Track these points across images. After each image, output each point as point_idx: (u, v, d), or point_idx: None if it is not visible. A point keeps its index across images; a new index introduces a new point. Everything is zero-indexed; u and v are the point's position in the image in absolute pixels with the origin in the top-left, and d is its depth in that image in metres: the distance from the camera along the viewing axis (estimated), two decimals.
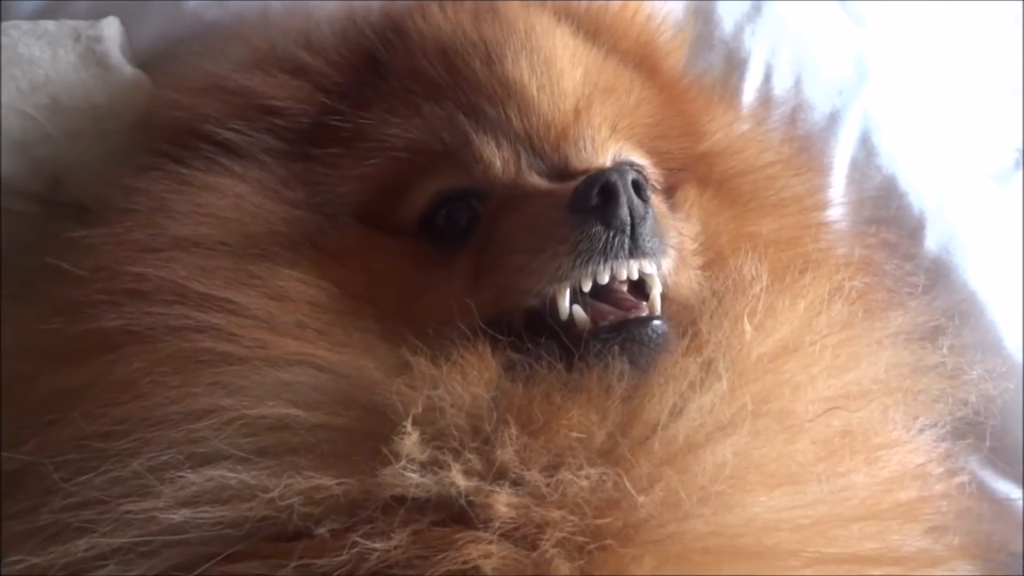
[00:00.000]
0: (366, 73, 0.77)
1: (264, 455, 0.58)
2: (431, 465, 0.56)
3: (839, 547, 0.58)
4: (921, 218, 0.97)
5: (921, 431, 0.71)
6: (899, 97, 1.04)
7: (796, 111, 0.99)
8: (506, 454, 0.57)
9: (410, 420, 0.57)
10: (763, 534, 0.56)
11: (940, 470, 0.71)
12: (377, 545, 0.54)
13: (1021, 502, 0.92)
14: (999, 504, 0.90)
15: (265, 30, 0.83)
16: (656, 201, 0.70)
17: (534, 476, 0.57)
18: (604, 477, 0.56)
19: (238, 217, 0.70)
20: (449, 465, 0.56)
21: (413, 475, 0.55)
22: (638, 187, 0.64)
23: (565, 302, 0.64)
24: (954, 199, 1.00)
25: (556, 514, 0.55)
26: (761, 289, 0.68)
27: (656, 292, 0.66)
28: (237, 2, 0.87)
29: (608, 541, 0.55)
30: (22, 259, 0.75)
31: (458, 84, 0.74)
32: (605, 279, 0.64)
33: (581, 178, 0.66)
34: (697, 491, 0.56)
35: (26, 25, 0.82)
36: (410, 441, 0.56)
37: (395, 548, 0.54)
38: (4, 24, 0.82)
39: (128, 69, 0.82)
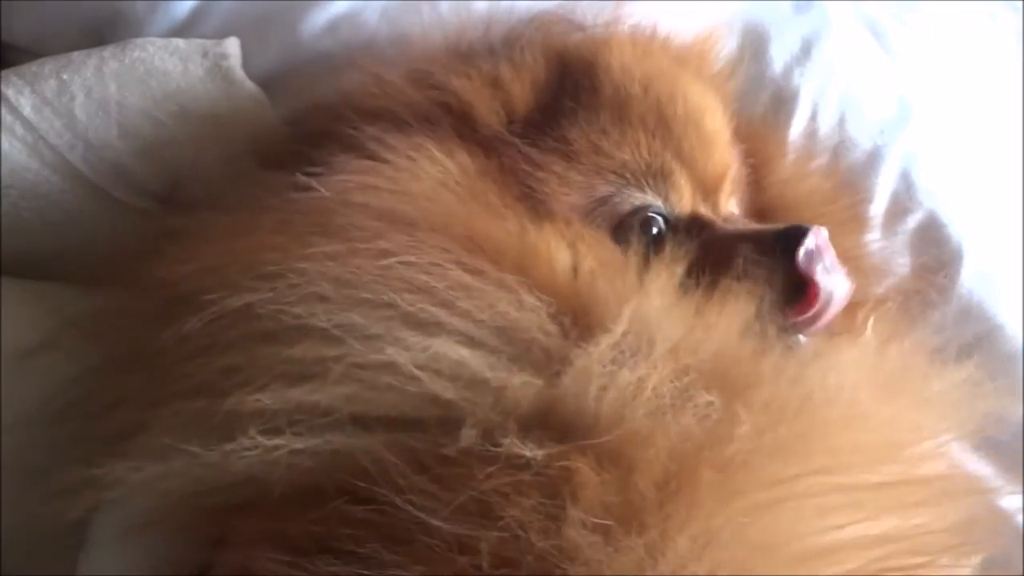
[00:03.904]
0: (562, 93, 0.85)
1: (482, 345, 0.61)
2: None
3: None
4: (959, 249, 1.02)
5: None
6: (939, 137, 1.10)
7: (839, 147, 1.06)
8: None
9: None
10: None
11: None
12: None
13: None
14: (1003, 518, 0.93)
15: (371, 61, 0.89)
16: None
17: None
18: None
19: (458, 188, 0.76)
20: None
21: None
22: None
23: None
24: (988, 234, 1.05)
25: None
26: None
27: None
28: (348, 35, 0.96)
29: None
30: (131, 248, 0.80)
31: (662, 120, 0.84)
32: None
33: (791, 228, 0.77)
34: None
35: (159, 42, 0.90)
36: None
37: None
38: (139, 40, 0.90)
39: (249, 85, 0.91)
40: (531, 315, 0.63)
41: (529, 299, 0.64)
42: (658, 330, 0.64)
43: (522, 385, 0.60)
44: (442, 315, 0.62)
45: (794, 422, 0.60)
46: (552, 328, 0.63)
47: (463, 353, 0.60)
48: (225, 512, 0.63)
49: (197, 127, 0.88)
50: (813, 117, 1.07)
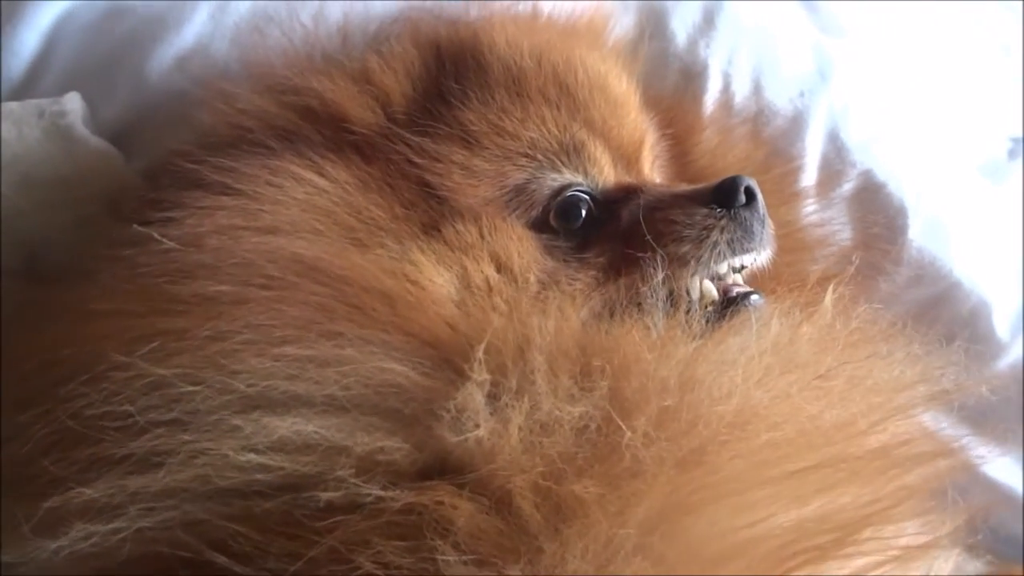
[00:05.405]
0: (444, 77, 0.78)
1: (345, 412, 0.57)
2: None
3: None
4: (902, 207, 0.96)
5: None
6: (866, 92, 1.03)
7: (759, 115, 0.99)
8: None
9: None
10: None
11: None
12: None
13: (1021, 487, 0.90)
14: (997, 489, 0.89)
15: (230, 91, 0.82)
16: None
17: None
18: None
19: (332, 209, 0.70)
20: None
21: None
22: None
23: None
24: (936, 187, 0.99)
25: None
26: None
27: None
28: (199, 68, 0.88)
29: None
30: None
31: (564, 89, 0.78)
32: (748, 262, 0.75)
33: (726, 180, 0.75)
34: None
35: None
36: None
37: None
38: None
39: (94, 140, 0.84)
40: (396, 375, 0.58)
41: (391, 365, 0.58)
42: (538, 356, 0.58)
43: (390, 448, 0.55)
44: (296, 389, 0.57)
45: (690, 426, 0.56)
46: (422, 380, 0.58)
47: (313, 427, 0.56)
48: None
49: (43, 193, 0.81)
50: (726, 88, 0.99)
